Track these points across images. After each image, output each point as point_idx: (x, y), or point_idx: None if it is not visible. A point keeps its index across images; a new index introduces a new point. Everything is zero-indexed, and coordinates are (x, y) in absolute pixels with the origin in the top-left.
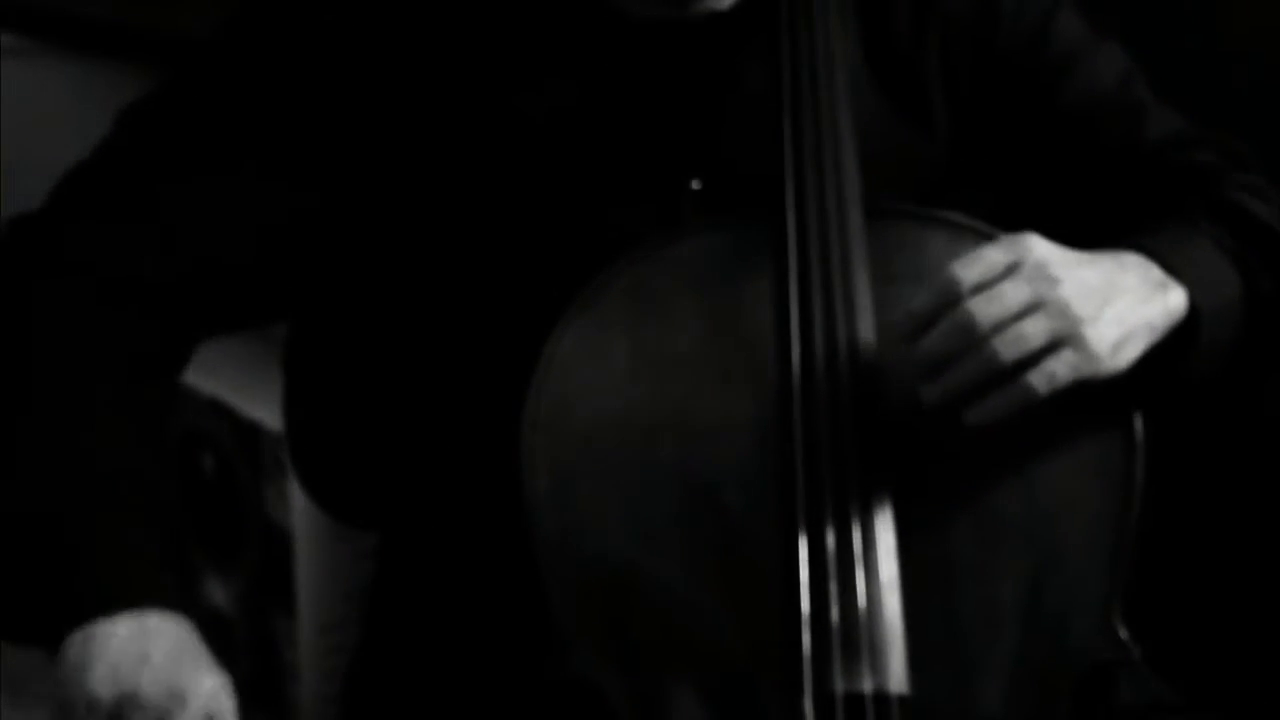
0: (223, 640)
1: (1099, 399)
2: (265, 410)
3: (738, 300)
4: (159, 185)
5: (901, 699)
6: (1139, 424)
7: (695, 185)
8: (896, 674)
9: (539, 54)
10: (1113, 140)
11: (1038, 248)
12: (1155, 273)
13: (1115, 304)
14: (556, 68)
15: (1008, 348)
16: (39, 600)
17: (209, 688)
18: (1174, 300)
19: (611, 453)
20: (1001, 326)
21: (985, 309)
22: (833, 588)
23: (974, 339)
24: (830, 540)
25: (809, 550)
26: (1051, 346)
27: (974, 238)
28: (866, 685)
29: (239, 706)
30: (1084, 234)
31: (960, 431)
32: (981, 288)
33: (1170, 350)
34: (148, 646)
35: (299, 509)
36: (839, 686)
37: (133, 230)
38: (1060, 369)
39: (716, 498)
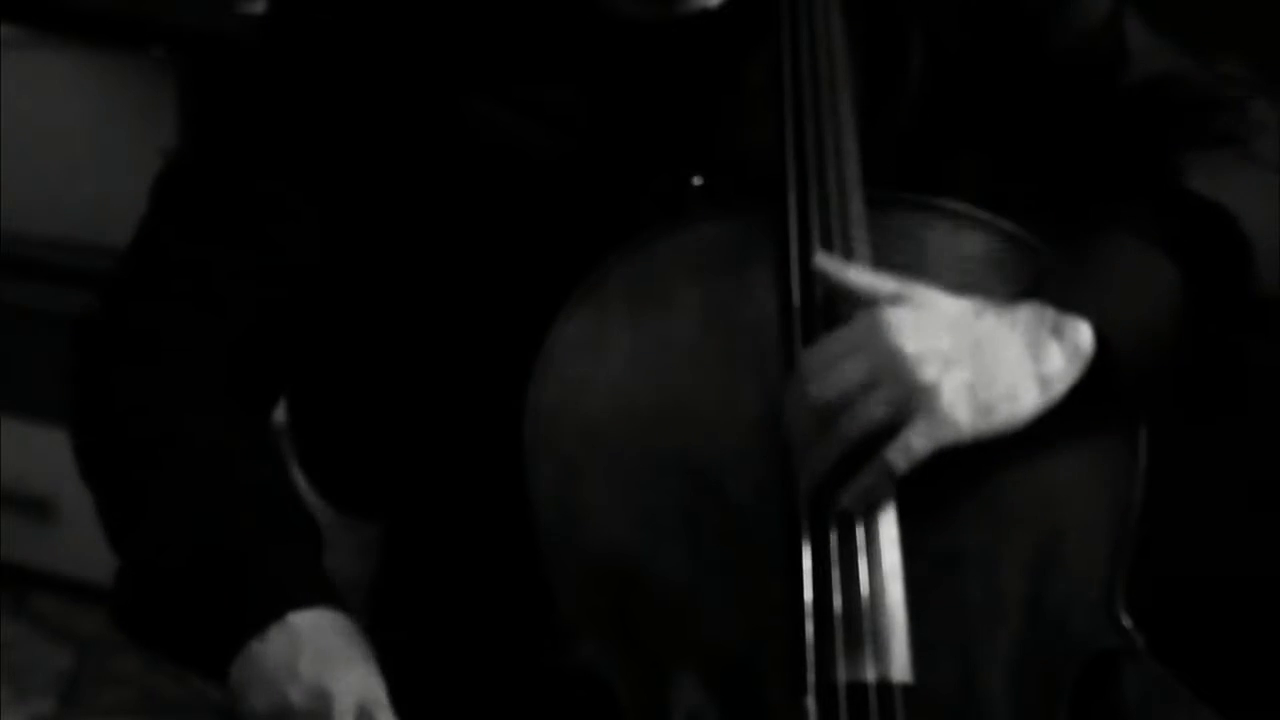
0: None
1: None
2: None
3: (740, 289)
4: (208, 245)
5: (905, 688)
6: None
7: (697, 181)
8: (899, 663)
9: (536, 58)
10: (1100, 80)
11: (890, 317)
12: (1049, 317)
13: (975, 366)
14: (553, 71)
15: (851, 426)
16: (207, 637)
17: (352, 681)
18: (1079, 339)
19: (614, 442)
20: (842, 405)
21: (820, 391)
22: (836, 576)
23: (818, 423)
24: (833, 529)
25: (812, 539)
26: (900, 418)
27: (975, 227)
28: (869, 674)
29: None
30: (1076, 190)
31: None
32: (821, 369)
33: (1100, 379)
34: (296, 656)
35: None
36: (842, 675)
37: (200, 284)
38: (916, 440)
39: (719, 487)
